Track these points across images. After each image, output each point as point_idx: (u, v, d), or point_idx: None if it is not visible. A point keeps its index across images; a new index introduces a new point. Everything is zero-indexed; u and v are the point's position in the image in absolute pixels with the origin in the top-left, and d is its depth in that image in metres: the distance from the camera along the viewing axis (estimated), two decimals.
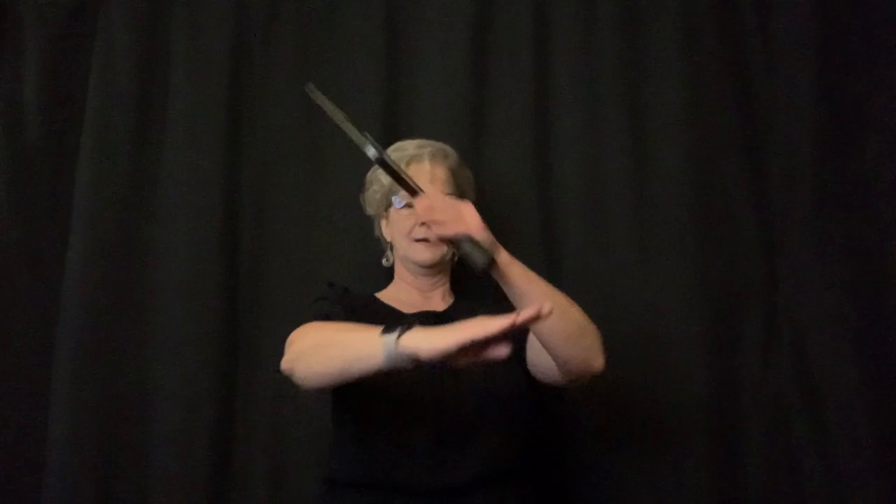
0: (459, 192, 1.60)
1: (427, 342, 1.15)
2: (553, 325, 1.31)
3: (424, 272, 1.62)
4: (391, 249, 1.66)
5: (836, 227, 1.82)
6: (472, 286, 1.62)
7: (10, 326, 1.89)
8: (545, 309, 1.14)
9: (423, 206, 1.37)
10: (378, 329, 1.23)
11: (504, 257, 1.36)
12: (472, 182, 1.69)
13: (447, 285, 1.66)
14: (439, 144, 1.65)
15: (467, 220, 1.35)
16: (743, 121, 1.89)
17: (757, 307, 1.84)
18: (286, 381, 1.81)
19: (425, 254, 1.58)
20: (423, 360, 1.16)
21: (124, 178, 1.92)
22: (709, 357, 1.81)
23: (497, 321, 1.13)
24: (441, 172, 1.59)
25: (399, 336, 1.18)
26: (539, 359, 1.45)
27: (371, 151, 1.38)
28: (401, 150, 1.62)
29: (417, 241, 1.58)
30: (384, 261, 1.68)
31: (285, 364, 1.39)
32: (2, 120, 1.94)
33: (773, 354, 1.82)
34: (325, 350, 1.32)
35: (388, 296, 1.63)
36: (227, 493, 1.82)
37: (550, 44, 1.94)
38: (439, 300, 1.63)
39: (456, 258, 1.64)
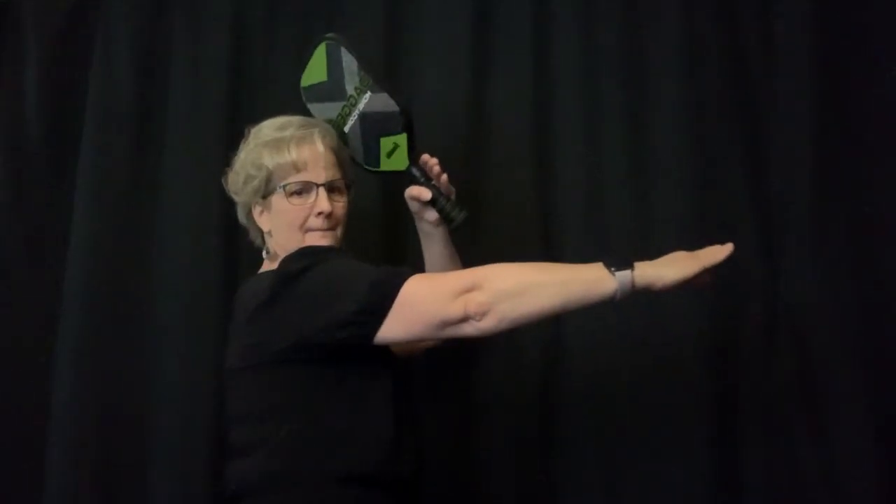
0: (343, 172, 1.57)
1: (664, 276, 1.39)
2: None
3: None
4: (263, 239, 1.61)
5: (836, 226, 1.82)
6: None
7: (10, 326, 1.89)
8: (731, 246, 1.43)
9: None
10: (594, 265, 1.39)
11: None
12: (349, 160, 1.63)
13: None
14: (319, 122, 1.60)
15: None
16: (743, 120, 1.89)
17: (757, 307, 1.83)
18: None
19: (321, 242, 1.54)
20: (657, 290, 1.39)
21: (124, 177, 1.92)
22: (709, 357, 1.81)
23: (722, 251, 1.42)
24: (329, 155, 1.55)
25: (633, 270, 1.38)
26: None
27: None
28: (283, 130, 1.55)
29: (312, 230, 1.53)
30: (264, 252, 1.61)
31: (476, 307, 1.34)
32: (2, 120, 1.95)
33: (773, 354, 1.82)
34: (537, 290, 1.39)
35: None
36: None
37: (551, 43, 1.94)
38: None
39: None
